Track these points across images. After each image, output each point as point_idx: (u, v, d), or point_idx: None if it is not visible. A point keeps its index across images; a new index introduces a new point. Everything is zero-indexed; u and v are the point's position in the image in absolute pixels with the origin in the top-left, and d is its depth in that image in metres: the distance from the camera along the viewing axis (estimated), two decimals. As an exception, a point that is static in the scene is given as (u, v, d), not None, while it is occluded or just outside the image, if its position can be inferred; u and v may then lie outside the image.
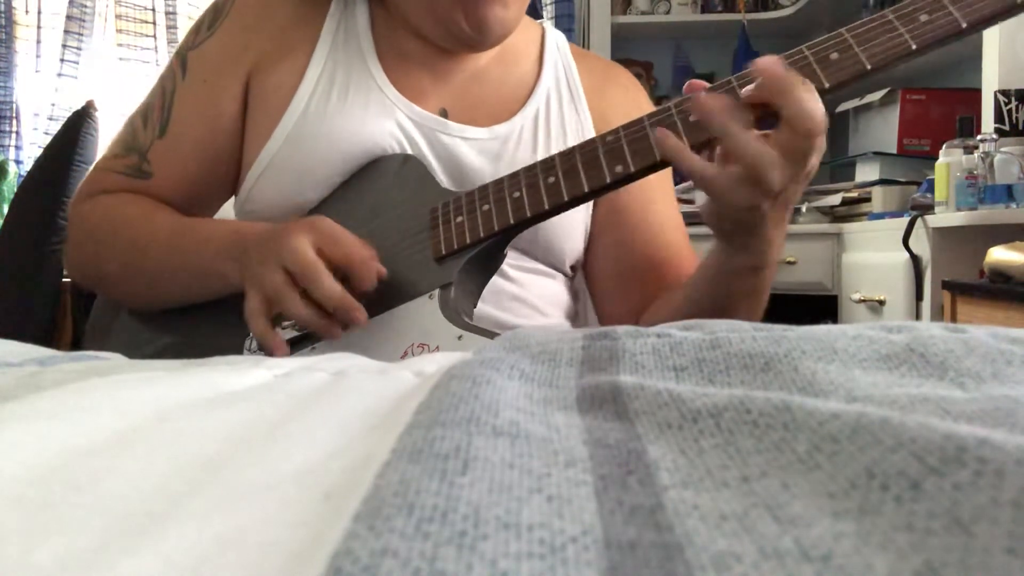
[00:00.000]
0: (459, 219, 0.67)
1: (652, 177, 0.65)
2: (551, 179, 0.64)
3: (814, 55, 0.59)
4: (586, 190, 0.63)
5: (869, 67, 0.57)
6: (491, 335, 0.62)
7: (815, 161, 0.58)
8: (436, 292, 0.65)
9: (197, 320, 0.77)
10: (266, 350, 0.64)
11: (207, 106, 0.78)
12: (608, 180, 0.62)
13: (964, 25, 0.56)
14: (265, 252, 0.64)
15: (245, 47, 0.78)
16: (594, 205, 0.82)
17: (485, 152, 0.76)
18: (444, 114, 0.78)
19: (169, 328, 0.79)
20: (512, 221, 0.65)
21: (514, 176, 0.66)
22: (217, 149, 0.79)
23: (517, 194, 0.65)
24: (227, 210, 0.86)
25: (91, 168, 0.87)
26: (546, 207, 0.64)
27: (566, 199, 0.63)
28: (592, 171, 0.63)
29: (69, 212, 0.83)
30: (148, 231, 0.75)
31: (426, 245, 0.68)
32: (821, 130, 0.57)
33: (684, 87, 0.62)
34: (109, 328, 0.84)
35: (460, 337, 0.62)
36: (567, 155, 0.64)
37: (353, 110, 0.75)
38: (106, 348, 0.52)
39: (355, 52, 0.78)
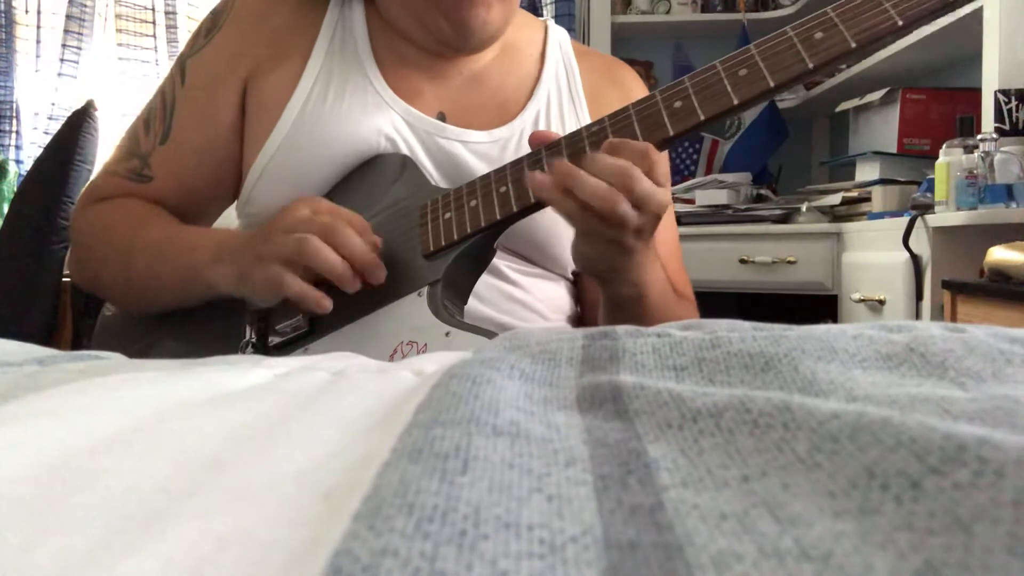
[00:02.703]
0: (447, 215, 0.67)
1: None
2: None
3: (798, 36, 0.58)
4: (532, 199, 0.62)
5: (854, 45, 0.56)
6: (479, 331, 0.62)
7: (644, 209, 0.58)
8: (425, 289, 0.65)
9: (193, 323, 0.77)
10: (310, 303, 0.63)
11: (206, 113, 0.79)
12: None
13: None
14: (268, 233, 0.65)
15: (242, 54, 0.78)
16: None
17: (484, 156, 0.76)
18: (442, 117, 0.77)
19: (162, 329, 0.79)
20: (498, 216, 0.64)
21: (501, 171, 0.66)
22: (217, 155, 0.79)
23: (503, 188, 0.65)
24: (229, 215, 0.86)
25: (94, 172, 0.89)
26: (532, 200, 0.63)
27: None
28: (578, 162, 0.62)
29: (71, 218, 0.84)
30: (138, 238, 0.76)
31: (416, 243, 0.68)
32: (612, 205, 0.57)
33: (529, 138, 0.65)
34: (116, 329, 0.85)
35: (448, 334, 0.62)
36: (553, 147, 0.64)
37: (349, 112, 0.75)
38: (107, 347, 0.52)
39: (352, 55, 0.78)
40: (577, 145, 0.63)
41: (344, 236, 0.62)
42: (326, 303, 0.63)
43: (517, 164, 0.65)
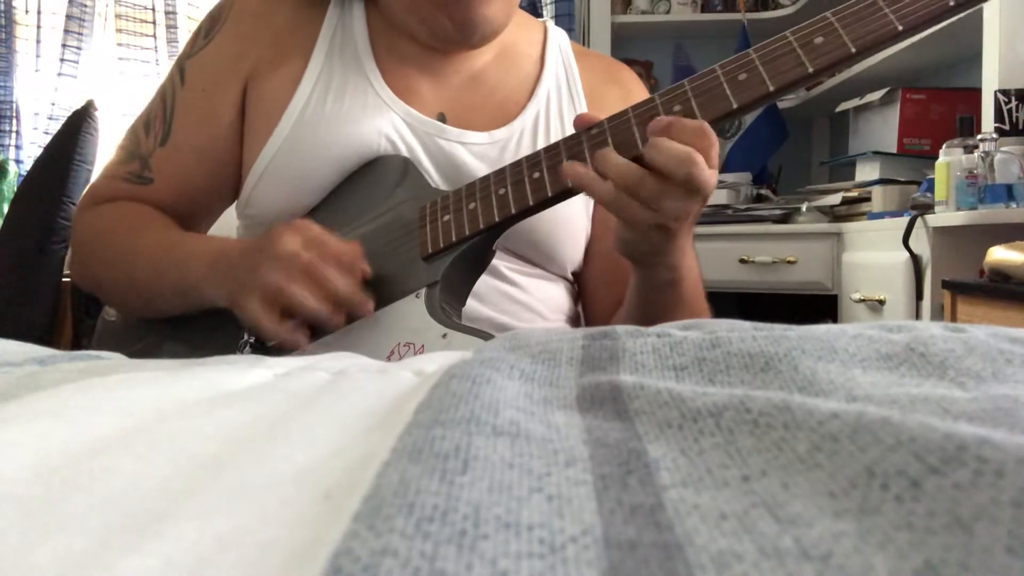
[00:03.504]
0: (446, 217, 0.67)
1: None
2: (536, 174, 0.64)
3: (798, 40, 0.58)
4: (570, 184, 0.62)
5: (854, 50, 0.56)
6: (476, 333, 0.62)
7: (703, 181, 0.58)
8: (423, 291, 0.65)
9: (192, 324, 0.77)
10: (287, 346, 0.63)
11: (206, 114, 0.79)
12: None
13: (952, 3, 0.54)
14: (255, 260, 0.64)
15: (241, 54, 0.78)
16: (594, 209, 0.82)
17: (484, 157, 0.76)
18: (442, 118, 0.77)
19: (162, 331, 0.79)
20: (497, 218, 0.64)
21: (500, 173, 0.66)
22: (217, 156, 0.79)
23: (502, 191, 0.65)
24: (229, 215, 0.86)
25: (95, 173, 0.89)
26: (530, 203, 0.63)
27: (550, 194, 0.63)
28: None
29: (73, 220, 0.84)
30: (138, 244, 0.76)
31: (415, 245, 0.68)
32: (688, 165, 0.57)
33: (573, 121, 0.64)
34: (116, 330, 0.85)
35: (445, 335, 0.62)
36: (552, 150, 0.64)
37: (349, 113, 0.75)
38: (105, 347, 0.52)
39: (352, 56, 0.78)
40: (575, 148, 0.63)
41: (326, 276, 0.61)
42: (302, 343, 0.63)
43: (516, 166, 0.65)
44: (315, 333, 0.69)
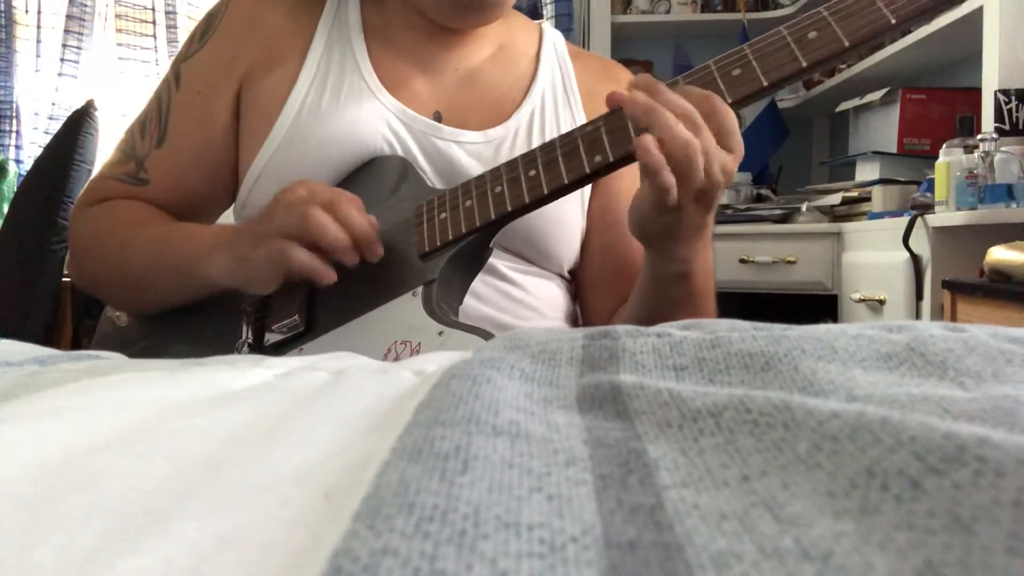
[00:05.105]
0: (442, 216, 0.67)
1: None
2: (532, 172, 0.64)
3: (792, 35, 0.58)
4: (566, 182, 0.62)
5: (847, 44, 0.56)
6: (472, 331, 0.62)
7: (723, 167, 0.57)
8: (419, 289, 0.65)
9: (193, 324, 0.77)
10: (317, 274, 0.64)
11: (201, 117, 0.79)
12: (587, 170, 0.61)
13: None
14: (268, 212, 0.66)
15: (236, 56, 0.78)
16: (590, 206, 0.82)
17: (479, 156, 0.76)
18: (438, 117, 0.77)
19: (163, 332, 0.79)
20: (493, 216, 0.64)
21: (496, 171, 0.66)
22: (213, 158, 0.79)
23: (499, 189, 0.65)
24: (228, 218, 0.86)
25: (92, 175, 0.89)
26: (527, 201, 0.63)
27: (546, 192, 0.63)
28: (572, 162, 0.62)
29: (70, 220, 0.85)
30: (136, 237, 0.76)
31: (411, 243, 0.68)
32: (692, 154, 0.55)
33: (607, 99, 0.62)
34: (116, 330, 0.85)
35: (441, 333, 0.62)
36: (547, 147, 0.64)
37: (345, 113, 0.75)
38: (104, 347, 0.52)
39: (348, 56, 0.78)
40: (571, 146, 0.63)
41: (346, 211, 0.63)
42: (331, 274, 0.64)
43: (512, 164, 0.65)
44: (313, 329, 0.70)
